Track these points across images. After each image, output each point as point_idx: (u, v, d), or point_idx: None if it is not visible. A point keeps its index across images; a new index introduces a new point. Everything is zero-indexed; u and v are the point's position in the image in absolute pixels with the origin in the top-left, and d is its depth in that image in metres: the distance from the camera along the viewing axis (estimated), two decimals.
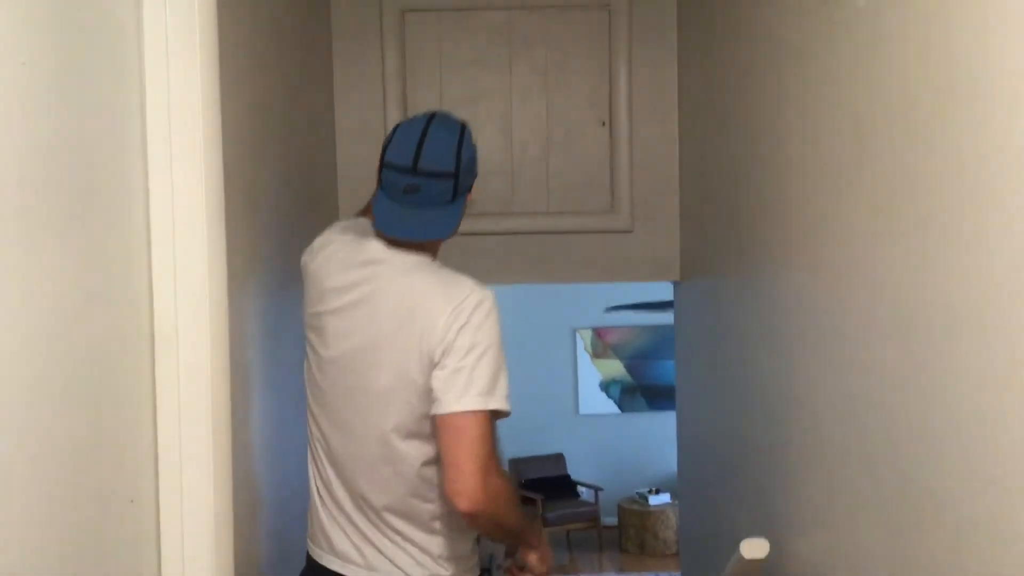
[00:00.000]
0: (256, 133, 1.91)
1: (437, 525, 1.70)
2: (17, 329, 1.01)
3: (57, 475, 1.10)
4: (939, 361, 1.16)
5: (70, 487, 1.14)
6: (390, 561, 1.69)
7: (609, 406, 8.11)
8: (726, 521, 2.34)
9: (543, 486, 7.32)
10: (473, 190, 1.74)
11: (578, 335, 8.12)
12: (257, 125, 1.92)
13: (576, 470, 7.73)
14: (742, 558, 1.83)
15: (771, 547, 1.81)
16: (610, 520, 7.70)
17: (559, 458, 7.65)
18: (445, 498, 1.61)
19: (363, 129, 2.97)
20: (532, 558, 1.82)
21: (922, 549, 1.22)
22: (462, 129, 1.69)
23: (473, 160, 1.72)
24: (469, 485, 1.53)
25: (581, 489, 7.60)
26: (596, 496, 7.42)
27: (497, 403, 1.58)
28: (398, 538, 1.70)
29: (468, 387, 1.56)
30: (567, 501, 7.39)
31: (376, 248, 1.70)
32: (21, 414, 1.02)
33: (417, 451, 1.66)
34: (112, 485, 1.26)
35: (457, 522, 1.69)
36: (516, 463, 7.46)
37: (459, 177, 1.65)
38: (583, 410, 8.07)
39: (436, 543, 1.71)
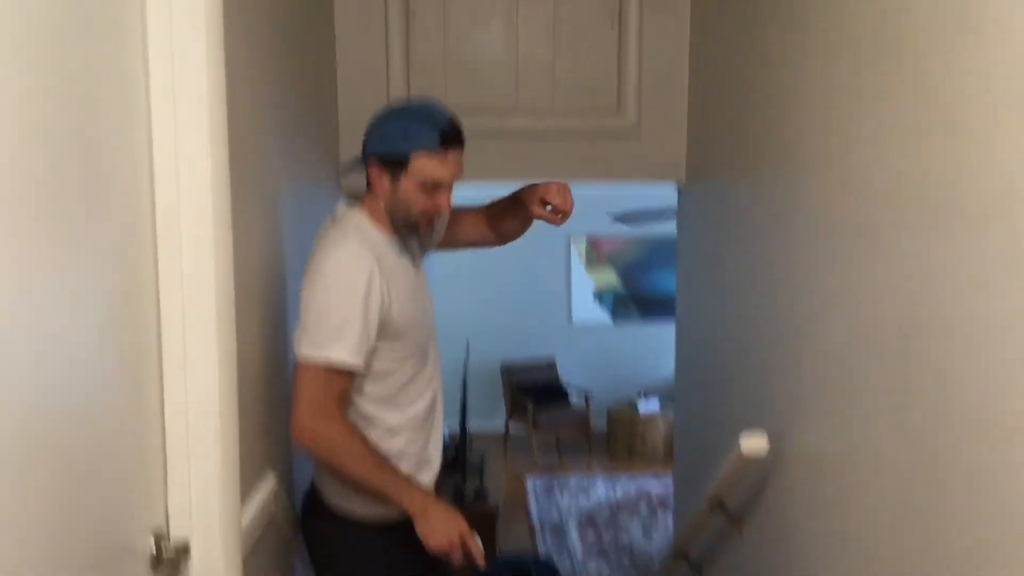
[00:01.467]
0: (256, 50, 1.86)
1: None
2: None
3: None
4: (950, 250, 1.15)
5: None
6: None
7: (602, 316, 8.17)
8: (722, 426, 2.37)
9: (535, 391, 7.42)
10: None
11: (573, 244, 8.12)
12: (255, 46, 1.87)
13: (567, 377, 7.83)
14: (740, 455, 1.85)
15: (769, 444, 1.83)
16: (600, 427, 7.83)
17: (551, 365, 7.73)
18: None
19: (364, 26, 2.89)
20: (422, 533, 1.80)
21: (927, 441, 1.23)
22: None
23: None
24: (294, 423, 1.73)
25: (572, 395, 7.71)
26: (587, 402, 7.53)
27: (330, 355, 1.71)
28: None
29: (302, 336, 1.74)
30: (558, 406, 7.50)
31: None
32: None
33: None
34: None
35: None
36: (508, 368, 7.55)
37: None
38: (576, 319, 8.13)
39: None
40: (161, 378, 1.40)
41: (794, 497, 1.75)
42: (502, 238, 2.17)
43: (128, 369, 1.29)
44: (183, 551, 1.42)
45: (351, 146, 2.94)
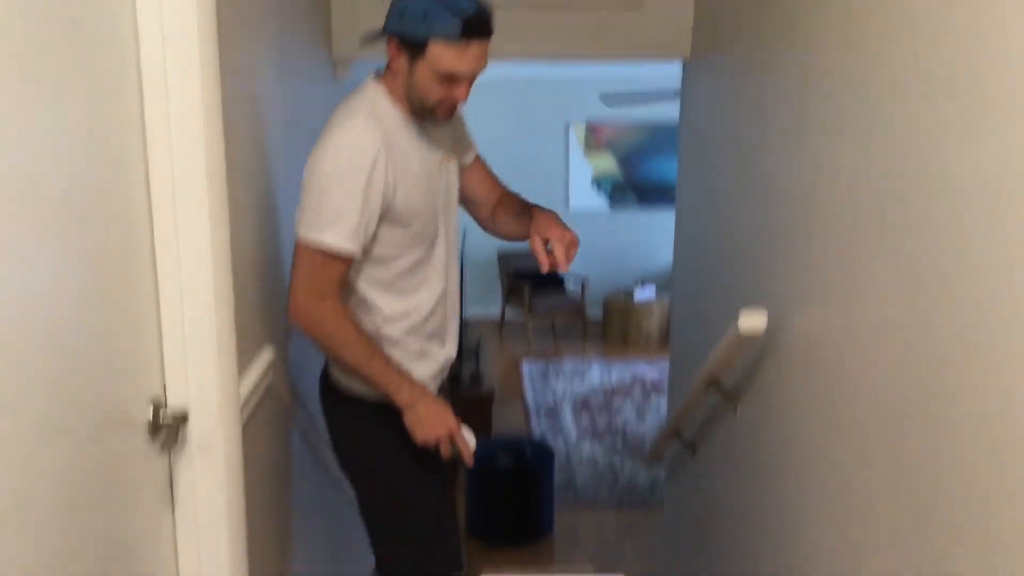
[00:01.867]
0: None
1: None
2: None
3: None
4: (962, 124, 1.11)
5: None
6: None
7: (599, 203, 8.12)
8: (719, 310, 2.36)
9: (531, 278, 7.44)
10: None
11: (571, 129, 7.99)
12: None
13: None
14: (737, 332, 1.84)
15: (768, 321, 1.83)
16: (595, 314, 7.89)
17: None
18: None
19: None
20: (409, 425, 1.80)
21: (933, 319, 1.22)
22: None
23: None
24: (290, 302, 1.73)
25: (568, 282, 7.73)
26: (583, 289, 7.56)
27: (324, 239, 1.68)
28: None
29: (301, 216, 1.71)
30: (554, 293, 7.53)
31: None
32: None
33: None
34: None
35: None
36: (505, 255, 7.54)
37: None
38: (573, 205, 8.08)
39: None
40: (152, 247, 1.37)
41: (791, 376, 1.76)
42: (492, 225, 2.08)
43: (118, 238, 1.26)
44: (181, 419, 1.42)
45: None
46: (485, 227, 2.10)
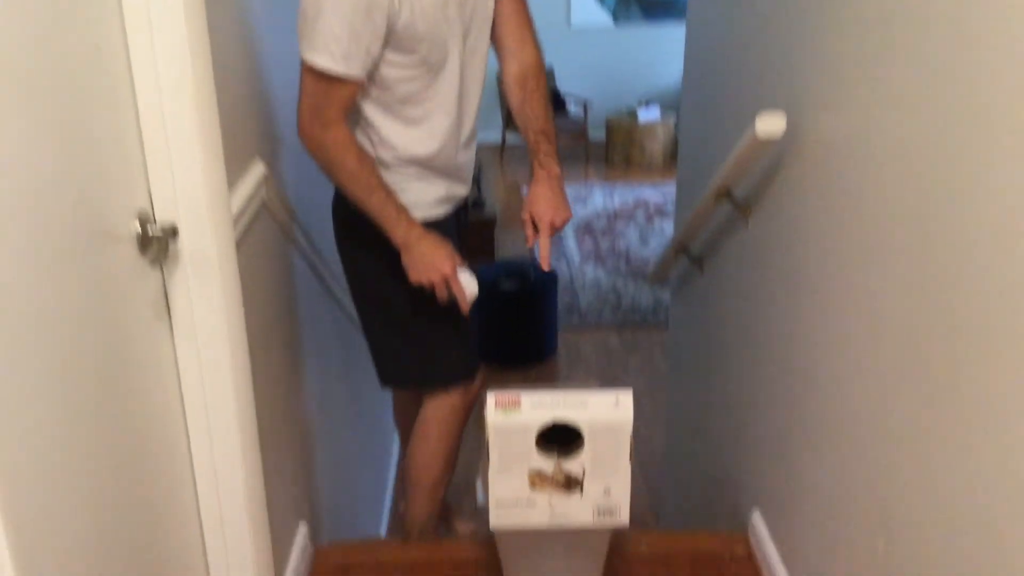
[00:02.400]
0: None
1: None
2: None
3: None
4: None
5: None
6: None
7: (603, 18, 7.76)
8: (733, 120, 2.24)
9: None
10: None
11: None
12: None
13: (565, 84, 7.58)
14: (754, 135, 1.75)
15: (786, 127, 1.73)
16: (598, 135, 7.71)
17: (548, 73, 7.44)
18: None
19: None
20: (405, 264, 1.76)
21: (961, 121, 1.12)
22: None
23: None
24: (298, 126, 1.69)
25: (569, 104, 7.51)
26: (584, 111, 7.35)
27: (318, 60, 1.60)
28: None
29: (301, 32, 1.62)
30: (555, 115, 7.33)
31: None
32: None
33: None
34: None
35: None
36: None
37: None
38: (575, 21, 7.73)
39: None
40: (127, 50, 1.26)
41: (807, 187, 1.68)
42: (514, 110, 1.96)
43: (91, 43, 1.15)
44: (170, 232, 1.36)
45: None
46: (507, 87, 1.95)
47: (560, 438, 1.63)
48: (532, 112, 1.92)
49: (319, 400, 2.33)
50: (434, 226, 1.84)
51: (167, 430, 1.42)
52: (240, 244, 1.56)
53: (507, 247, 5.90)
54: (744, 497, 2.11)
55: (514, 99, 1.92)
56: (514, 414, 1.59)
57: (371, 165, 1.73)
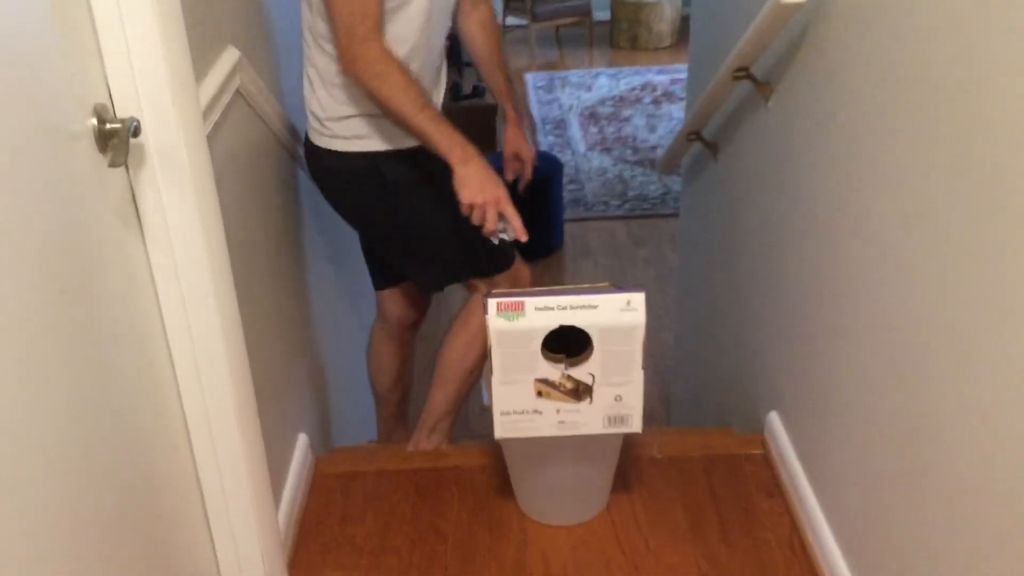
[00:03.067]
0: None
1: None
2: None
3: None
4: None
5: None
6: None
7: None
8: None
9: None
10: None
11: None
12: None
13: None
14: (778, 3, 1.58)
15: None
16: (602, 16, 7.38)
17: None
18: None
19: None
20: (458, 184, 1.63)
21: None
22: None
23: None
24: (339, 54, 1.65)
25: None
26: None
27: None
28: None
29: None
30: None
31: None
32: None
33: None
34: None
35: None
36: None
37: None
38: None
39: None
40: None
41: (836, 57, 1.52)
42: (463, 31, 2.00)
43: None
44: (130, 126, 1.21)
45: None
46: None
47: (568, 343, 1.52)
48: (499, 57, 2.04)
49: (318, 304, 2.22)
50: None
51: (146, 343, 1.31)
52: (213, 138, 1.42)
53: None
54: (760, 397, 2.02)
55: (479, 44, 2.02)
56: (518, 319, 1.48)
57: (416, 80, 1.66)
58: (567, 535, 1.74)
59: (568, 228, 4.58)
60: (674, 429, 2.49)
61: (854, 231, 1.46)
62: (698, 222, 2.64)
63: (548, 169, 4.34)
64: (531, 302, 1.47)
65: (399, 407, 2.37)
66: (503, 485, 1.83)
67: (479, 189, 1.63)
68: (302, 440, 1.89)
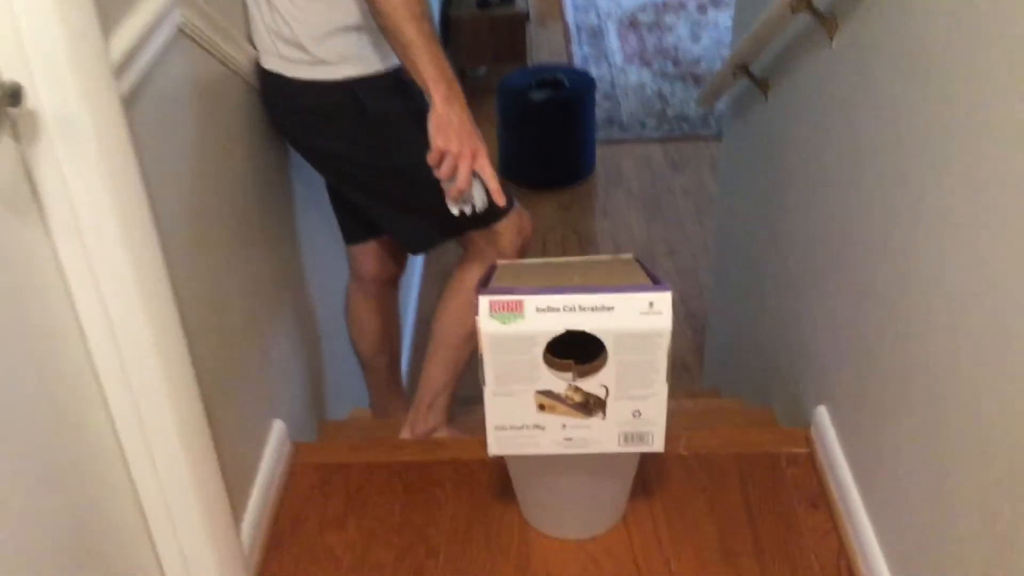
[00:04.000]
0: None
1: None
2: None
3: None
4: None
5: None
6: None
7: None
8: None
9: None
10: None
11: None
12: None
13: None
14: None
15: None
16: None
17: None
18: None
19: None
20: (434, 125, 1.37)
21: None
22: None
23: None
24: None
25: None
26: None
27: None
28: None
29: None
30: None
31: None
32: None
33: None
34: None
35: None
36: None
37: None
38: None
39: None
40: None
41: None
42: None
43: None
44: (13, 93, 0.95)
45: None
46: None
47: (576, 346, 1.25)
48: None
49: (310, 260, 1.97)
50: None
51: (58, 348, 1.07)
52: (143, 94, 1.15)
53: (541, 48, 5.31)
54: (807, 385, 1.74)
55: None
56: (515, 322, 1.21)
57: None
58: (577, 552, 1.50)
59: (600, 151, 4.24)
60: (702, 409, 2.17)
61: (940, 198, 1.15)
62: (742, 167, 2.32)
63: (580, 88, 3.99)
64: (532, 301, 1.20)
65: (390, 373, 2.13)
66: (504, 484, 1.59)
67: (456, 135, 1.36)
68: (277, 428, 1.66)
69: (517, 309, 1.20)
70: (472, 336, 1.77)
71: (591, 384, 1.25)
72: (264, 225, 1.69)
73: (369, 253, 1.91)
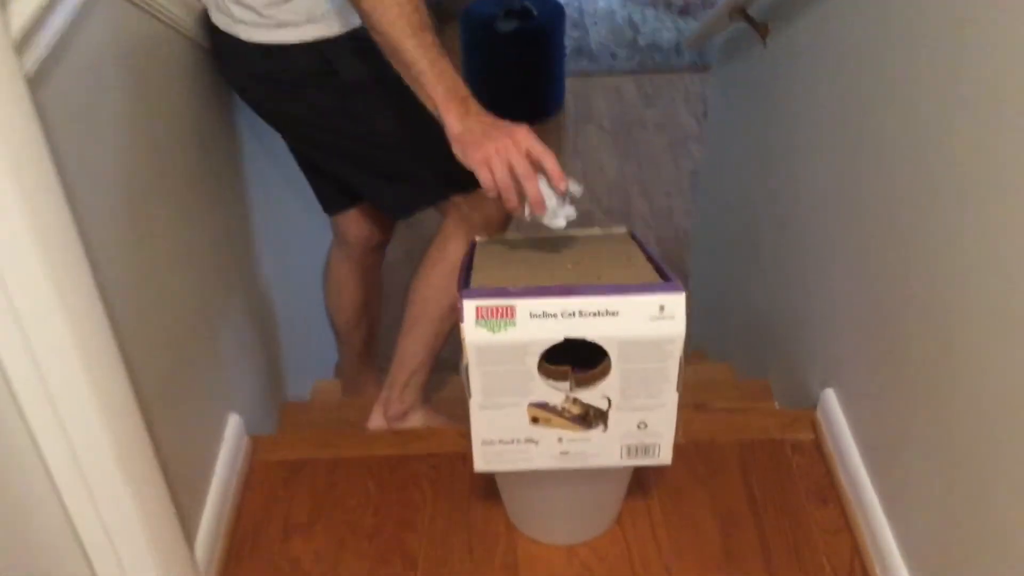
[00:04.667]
0: None
1: None
2: None
3: None
4: None
5: None
6: None
7: None
8: None
9: None
10: None
11: None
12: None
13: None
14: None
15: None
16: None
17: None
18: None
19: None
20: (458, 144, 1.14)
21: None
22: None
23: None
24: None
25: None
26: None
27: None
28: None
29: None
30: None
31: None
32: None
33: None
34: None
35: None
36: None
37: None
38: None
39: None
40: None
41: None
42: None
43: None
44: None
45: None
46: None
47: (573, 347, 1.10)
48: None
49: (267, 223, 1.79)
50: None
51: None
52: (62, 59, 0.95)
53: None
54: (811, 363, 1.61)
55: None
56: (506, 330, 1.05)
57: None
58: (569, 558, 1.37)
59: (570, 85, 4.02)
60: (692, 379, 2.00)
61: (969, 157, 1.01)
62: (733, 116, 2.15)
63: (549, 17, 3.75)
64: (525, 306, 1.04)
65: (365, 346, 1.97)
66: (488, 483, 1.45)
67: (484, 137, 1.12)
68: (233, 424, 1.50)
69: (508, 315, 1.04)
70: (454, 308, 1.64)
71: (591, 395, 1.10)
72: (213, 200, 1.50)
73: (353, 219, 1.75)
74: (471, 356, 1.06)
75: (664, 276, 1.11)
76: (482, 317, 1.04)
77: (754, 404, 1.80)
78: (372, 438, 1.60)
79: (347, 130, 1.43)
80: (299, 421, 1.84)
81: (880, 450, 1.36)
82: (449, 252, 1.54)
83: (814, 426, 1.55)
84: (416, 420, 1.68)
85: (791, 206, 1.70)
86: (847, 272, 1.43)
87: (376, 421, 1.70)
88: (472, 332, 1.04)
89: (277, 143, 1.59)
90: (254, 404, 1.66)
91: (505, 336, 1.04)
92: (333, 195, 1.70)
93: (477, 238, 1.42)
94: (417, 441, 1.58)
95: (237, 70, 1.42)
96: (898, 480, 1.29)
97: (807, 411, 1.58)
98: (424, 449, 1.55)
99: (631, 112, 3.97)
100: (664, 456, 1.16)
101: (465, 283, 1.13)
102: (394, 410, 1.67)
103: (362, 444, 1.58)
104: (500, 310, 1.04)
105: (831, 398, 1.51)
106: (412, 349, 1.63)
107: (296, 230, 1.93)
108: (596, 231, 1.42)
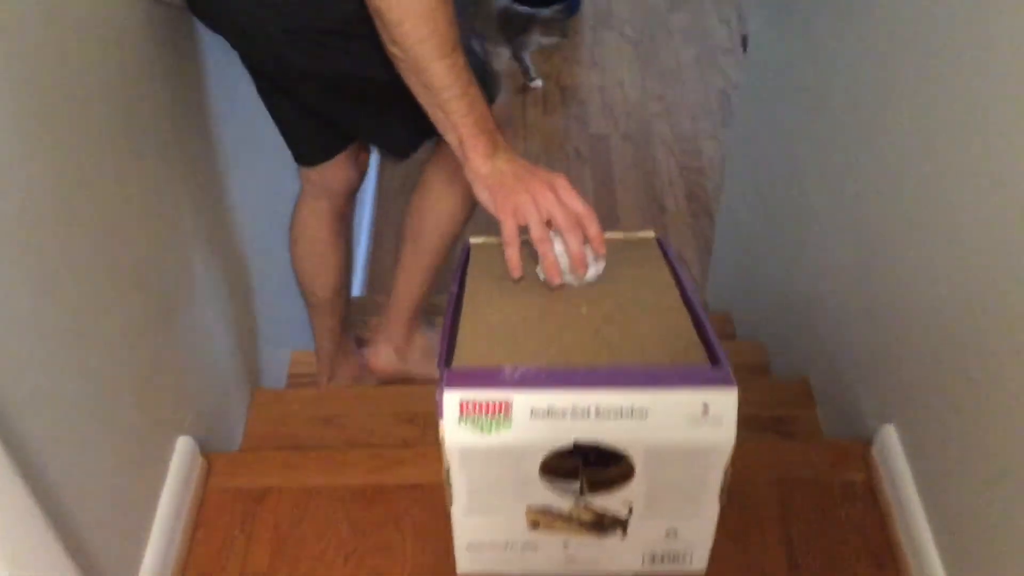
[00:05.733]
0: None
1: None
2: None
3: None
4: None
5: None
6: None
7: None
8: None
9: None
10: None
11: None
12: None
13: None
14: None
15: None
16: None
17: None
18: None
19: None
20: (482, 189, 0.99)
21: None
22: None
23: None
24: None
25: None
26: None
27: None
28: None
29: None
30: None
31: None
32: None
33: None
34: None
35: None
36: None
37: None
38: None
39: None
40: None
41: None
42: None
43: None
44: None
45: None
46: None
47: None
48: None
49: (239, 195, 1.52)
50: None
51: None
52: None
53: None
54: (867, 392, 1.36)
55: None
56: (499, 431, 0.79)
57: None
58: None
59: None
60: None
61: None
62: (775, 54, 1.82)
63: None
64: (524, 401, 0.78)
65: (344, 311, 1.74)
66: None
67: (517, 182, 0.96)
68: (182, 449, 1.26)
69: (503, 413, 0.78)
70: (453, 233, 1.50)
71: (609, 501, 0.85)
72: (178, 169, 1.22)
73: (340, 165, 1.53)
74: (453, 461, 0.81)
75: (709, 347, 0.84)
76: (467, 413, 0.79)
77: (793, 413, 1.56)
78: (347, 460, 1.37)
79: (379, 74, 1.18)
80: (272, 416, 1.61)
81: (951, 508, 1.12)
82: (460, 178, 1.34)
83: (867, 464, 1.31)
84: (423, 343, 1.70)
85: (851, 182, 1.41)
86: (931, 288, 1.16)
87: (385, 358, 1.70)
88: (454, 432, 0.79)
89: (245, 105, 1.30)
90: (215, 406, 1.42)
91: (497, 438, 0.79)
92: (327, 142, 1.49)
93: (471, 240, 1.16)
94: (398, 467, 1.34)
95: (256, 27, 1.15)
96: (972, 544, 1.06)
97: (858, 443, 1.34)
98: (405, 477, 1.31)
99: (655, 17, 3.58)
100: (697, 564, 0.93)
101: (449, 339, 0.87)
102: (401, 342, 1.69)
103: (334, 467, 1.34)
104: (492, 406, 0.78)
105: (891, 437, 1.26)
106: (419, 279, 1.60)
107: (267, 188, 1.65)
108: (619, 236, 1.15)
